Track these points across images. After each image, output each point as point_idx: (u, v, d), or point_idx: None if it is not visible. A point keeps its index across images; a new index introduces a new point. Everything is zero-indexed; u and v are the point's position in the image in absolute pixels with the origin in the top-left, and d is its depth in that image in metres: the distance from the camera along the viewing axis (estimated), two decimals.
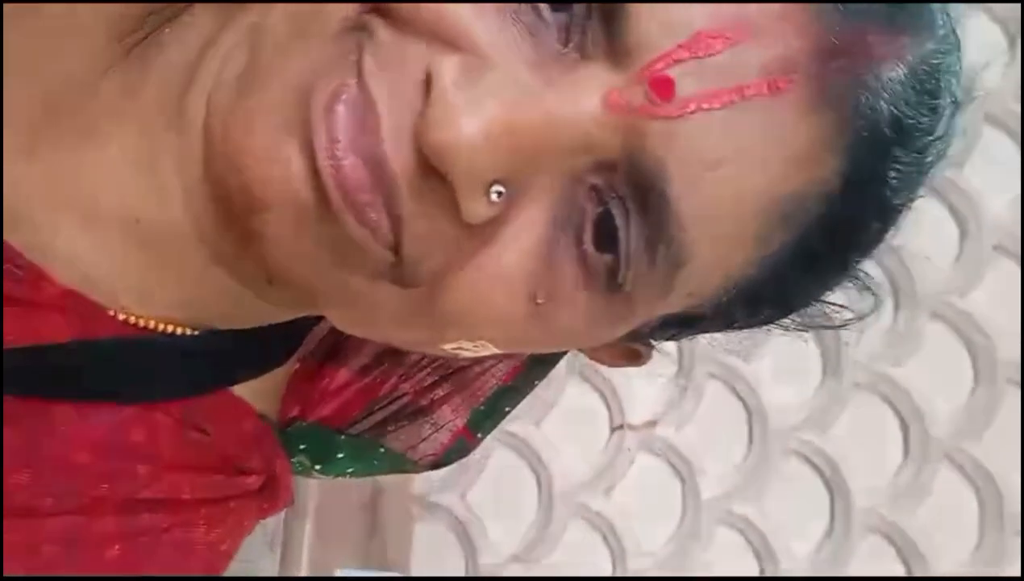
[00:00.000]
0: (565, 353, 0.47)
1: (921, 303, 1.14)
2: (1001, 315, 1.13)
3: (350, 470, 0.49)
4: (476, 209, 0.31)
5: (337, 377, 0.46)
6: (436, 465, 0.49)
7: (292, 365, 0.44)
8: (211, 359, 0.39)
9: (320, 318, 0.43)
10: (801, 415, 1.15)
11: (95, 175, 0.36)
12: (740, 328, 0.40)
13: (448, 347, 0.36)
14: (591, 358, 0.43)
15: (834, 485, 1.13)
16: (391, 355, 0.47)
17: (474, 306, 0.33)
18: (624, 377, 1.12)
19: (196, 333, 0.38)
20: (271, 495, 0.41)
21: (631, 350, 0.41)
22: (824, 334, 0.96)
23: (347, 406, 0.46)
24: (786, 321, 0.40)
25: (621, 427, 1.12)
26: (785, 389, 1.15)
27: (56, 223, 0.36)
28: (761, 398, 1.14)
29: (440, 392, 0.48)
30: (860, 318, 0.40)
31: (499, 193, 0.31)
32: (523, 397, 0.50)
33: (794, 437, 1.13)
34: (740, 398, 1.15)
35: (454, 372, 0.48)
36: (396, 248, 0.31)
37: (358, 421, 0.47)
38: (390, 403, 0.47)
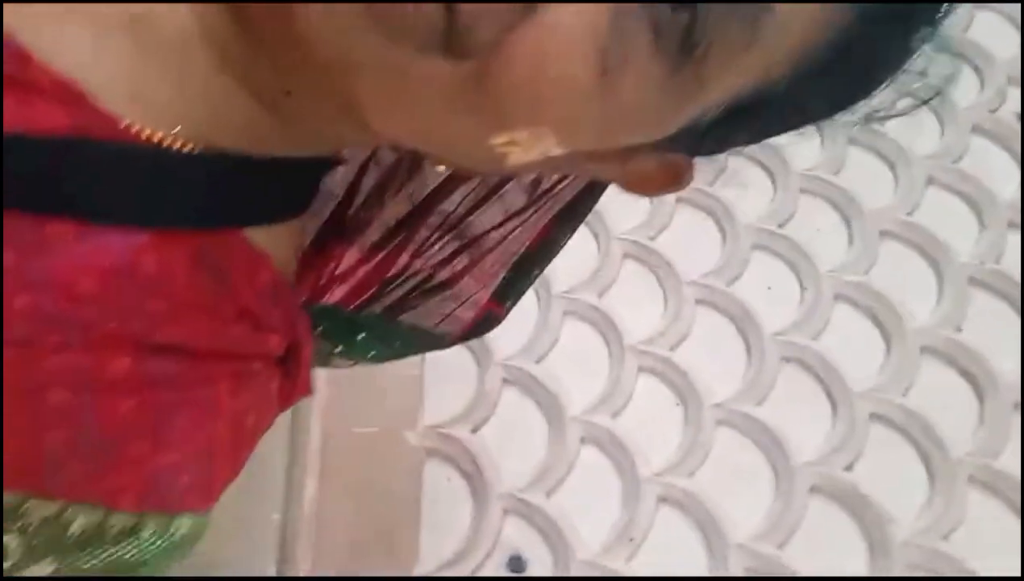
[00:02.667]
0: (595, 198, 0.46)
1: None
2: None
3: (372, 352, 0.47)
4: None
5: (345, 258, 0.44)
6: (465, 338, 0.48)
7: (303, 228, 0.40)
8: (222, 185, 0.35)
9: (332, 166, 0.41)
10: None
11: None
12: (811, 120, 0.37)
13: (500, 141, 0.32)
14: (631, 188, 0.39)
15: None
16: (401, 229, 0.45)
17: (538, 73, 0.29)
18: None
19: (204, 152, 0.34)
20: (294, 369, 0.38)
21: (673, 167, 0.38)
22: (864, 514, 1.04)
23: (359, 288, 0.44)
24: (859, 109, 0.36)
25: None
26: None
27: (61, 20, 0.32)
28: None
29: (460, 264, 0.46)
30: (938, 92, 0.36)
31: None
32: (552, 258, 0.48)
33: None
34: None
35: (472, 241, 0.46)
36: (449, 6, 0.28)
37: (374, 301, 0.45)
38: (405, 280, 0.45)
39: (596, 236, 1.28)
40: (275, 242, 0.37)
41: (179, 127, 0.33)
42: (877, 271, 1.28)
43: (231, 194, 0.35)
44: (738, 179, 1.26)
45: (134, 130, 0.32)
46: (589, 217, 0.48)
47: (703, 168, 0.38)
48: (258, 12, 0.32)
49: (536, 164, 0.33)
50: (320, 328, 0.42)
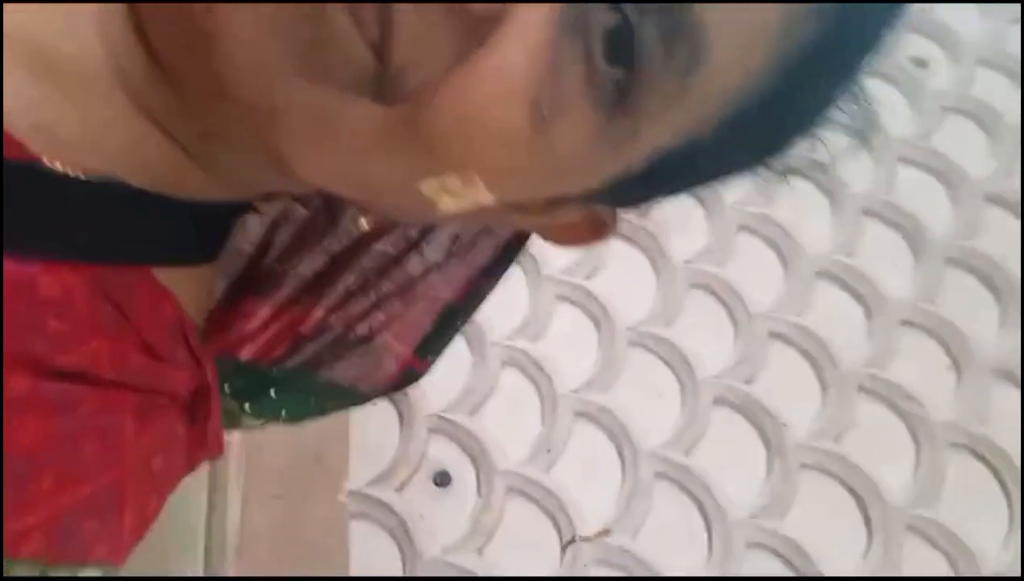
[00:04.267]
0: (519, 249, 0.45)
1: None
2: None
3: (284, 410, 0.45)
4: None
5: (258, 314, 0.42)
6: (384, 393, 0.46)
7: (212, 278, 0.39)
8: (123, 217, 0.33)
9: (245, 209, 0.39)
10: (759, 503, 1.13)
11: None
12: (732, 172, 0.37)
13: (430, 188, 0.31)
14: (554, 240, 0.39)
15: (798, 569, 1.10)
16: (317, 284, 0.43)
17: (471, 119, 0.28)
18: (570, 487, 1.10)
19: (105, 179, 0.32)
20: (202, 416, 0.36)
21: (597, 219, 0.38)
22: (762, 421, 1.09)
23: (272, 344, 0.42)
24: (780, 159, 0.36)
25: (573, 540, 1.08)
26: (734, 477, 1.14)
27: None
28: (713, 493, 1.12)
29: (378, 319, 0.44)
30: (860, 142, 0.37)
31: None
32: (476, 311, 0.46)
33: (753, 526, 1.11)
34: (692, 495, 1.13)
35: (391, 295, 0.44)
36: (381, 49, 0.27)
37: (287, 358, 0.43)
38: (321, 335, 0.43)
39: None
40: (182, 285, 0.35)
41: (85, 161, 0.31)
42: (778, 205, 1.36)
43: (136, 230, 0.33)
44: None
45: (28, 148, 0.30)
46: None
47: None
48: (175, 51, 0.30)
49: (463, 214, 0.32)
50: (228, 386, 0.41)
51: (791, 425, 1.18)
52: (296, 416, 0.46)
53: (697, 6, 0.29)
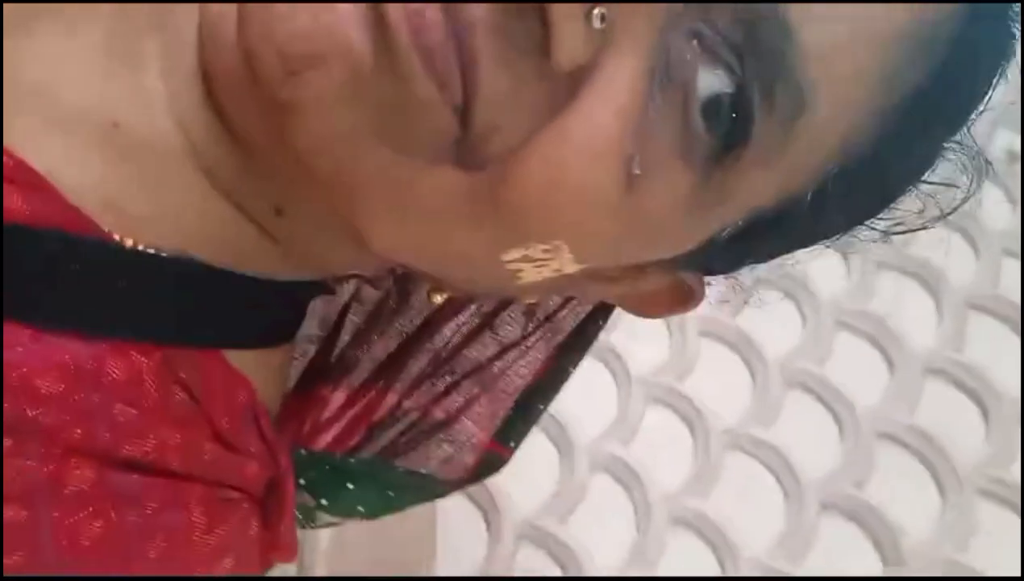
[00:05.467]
0: (600, 325, 0.42)
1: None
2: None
3: (361, 506, 0.43)
4: (572, 43, 0.25)
5: (331, 401, 0.41)
6: (467, 483, 0.43)
7: (287, 364, 0.37)
8: (196, 296, 0.31)
9: (319, 290, 0.37)
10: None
11: (56, 66, 0.30)
12: (832, 233, 0.34)
13: (512, 258, 0.29)
14: (637, 310, 0.37)
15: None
16: (390, 367, 0.42)
17: (557, 183, 0.26)
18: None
19: (177, 255, 0.30)
20: (276, 512, 0.33)
21: (683, 287, 0.35)
22: (875, 528, 1.03)
23: (347, 432, 0.41)
24: (880, 226, 0.34)
25: None
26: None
27: (12, 119, 0.29)
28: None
29: (456, 402, 0.42)
30: (967, 197, 0.35)
31: (602, 17, 0.25)
32: (559, 390, 0.43)
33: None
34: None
35: (467, 377, 0.42)
36: (464, 113, 0.25)
37: (363, 446, 0.41)
38: (397, 421, 0.42)
39: None
40: (256, 370, 0.33)
41: (157, 238, 0.30)
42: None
43: (208, 310, 0.32)
44: None
45: (108, 232, 0.29)
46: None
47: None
48: (250, 123, 0.29)
49: (545, 284, 0.31)
50: (303, 479, 0.39)
51: (908, 533, 1.09)
52: (374, 511, 0.44)
53: (799, 47, 0.26)
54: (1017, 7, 0.32)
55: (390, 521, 0.45)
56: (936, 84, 0.30)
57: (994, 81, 0.32)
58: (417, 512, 1.12)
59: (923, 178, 0.34)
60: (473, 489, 1.13)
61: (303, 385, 0.42)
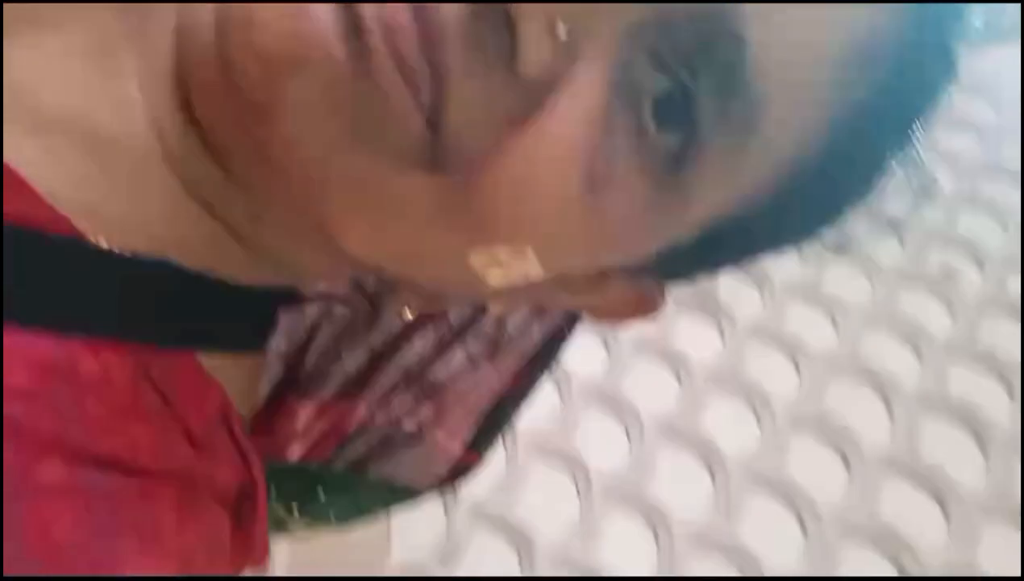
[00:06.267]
0: (566, 336, 0.44)
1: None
2: None
3: (332, 513, 0.43)
4: (538, 52, 0.26)
5: (302, 413, 0.41)
6: (439, 488, 0.44)
7: (258, 373, 0.38)
8: (169, 298, 0.31)
9: (290, 299, 0.38)
10: None
11: (36, 69, 0.30)
12: (786, 242, 0.35)
13: (480, 260, 0.30)
14: (602, 318, 0.38)
15: None
16: (361, 380, 0.42)
17: (523, 182, 0.27)
18: None
19: (152, 258, 0.30)
20: (248, 516, 0.32)
21: (645, 296, 0.37)
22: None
23: (319, 443, 0.41)
24: (830, 228, 0.35)
25: None
26: None
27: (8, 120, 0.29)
28: None
29: (427, 413, 0.43)
30: (915, 207, 0.36)
31: (567, 31, 0.26)
32: (525, 401, 0.45)
33: None
34: None
35: (438, 389, 0.43)
36: (435, 116, 0.26)
37: (336, 457, 0.42)
38: (369, 434, 0.42)
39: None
40: (228, 374, 0.33)
41: (132, 240, 0.30)
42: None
43: (182, 312, 0.32)
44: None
45: (83, 232, 0.29)
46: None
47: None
48: (223, 126, 0.29)
49: (513, 290, 0.32)
50: (275, 489, 0.40)
51: None
52: (346, 518, 0.45)
53: (752, 61, 0.27)
54: (962, 20, 0.33)
55: None
56: (882, 97, 0.31)
57: (939, 92, 0.33)
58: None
59: (874, 186, 0.35)
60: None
61: (273, 397, 0.42)
